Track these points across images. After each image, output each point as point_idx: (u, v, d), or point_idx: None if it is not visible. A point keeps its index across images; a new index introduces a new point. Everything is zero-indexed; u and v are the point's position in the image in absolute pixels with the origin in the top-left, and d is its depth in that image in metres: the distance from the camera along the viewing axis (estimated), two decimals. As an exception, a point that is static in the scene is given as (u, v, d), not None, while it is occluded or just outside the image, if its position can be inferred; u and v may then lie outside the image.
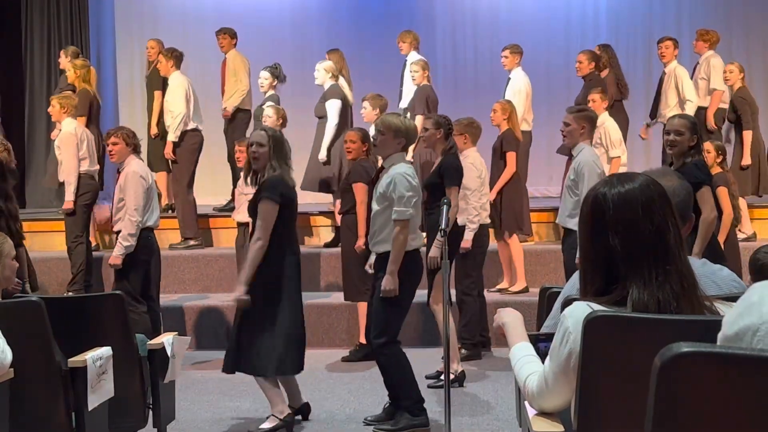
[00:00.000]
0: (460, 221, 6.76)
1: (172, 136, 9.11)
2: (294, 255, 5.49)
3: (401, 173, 5.37)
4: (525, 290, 8.06)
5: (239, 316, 5.42)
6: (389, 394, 5.53)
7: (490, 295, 7.81)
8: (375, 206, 5.49)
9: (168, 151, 9.17)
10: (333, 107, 8.87)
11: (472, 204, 6.92)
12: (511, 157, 7.93)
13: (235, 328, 5.48)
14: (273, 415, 5.42)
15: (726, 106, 9.31)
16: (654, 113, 9.67)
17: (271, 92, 9.32)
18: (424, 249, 6.07)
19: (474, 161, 7.01)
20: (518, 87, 9.18)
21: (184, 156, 9.24)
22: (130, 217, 6.54)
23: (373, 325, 5.50)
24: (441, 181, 6.41)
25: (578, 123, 6.15)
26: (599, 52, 9.72)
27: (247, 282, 5.32)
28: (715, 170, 7.36)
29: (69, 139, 8.14)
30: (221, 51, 9.94)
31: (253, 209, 5.49)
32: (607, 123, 8.23)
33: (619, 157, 8.20)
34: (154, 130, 9.70)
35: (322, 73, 9.12)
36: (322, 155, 8.83)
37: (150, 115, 9.92)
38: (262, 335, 5.33)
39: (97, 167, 8.54)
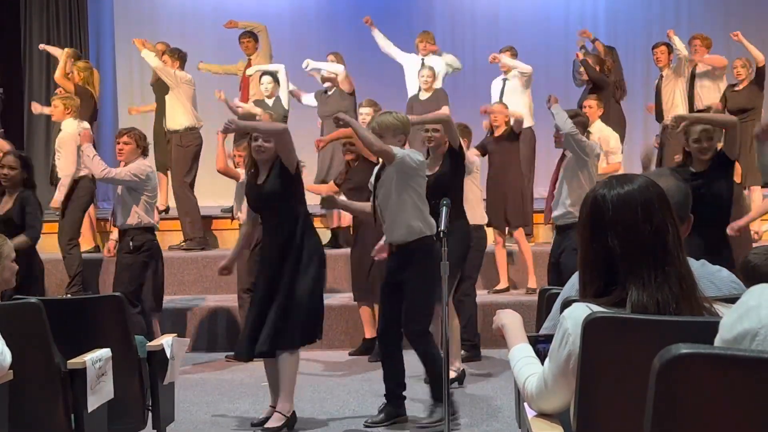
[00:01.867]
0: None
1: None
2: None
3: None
4: (534, 291, 7.91)
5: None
6: (386, 392, 5.51)
7: (489, 297, 7.78)
8: (384, 197, 5.43)
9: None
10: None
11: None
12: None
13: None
14: (279, 411, 5.40)
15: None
16: (659, 116, 9.58)
17: (275, 97, 9.30)
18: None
19: (474, 161, 7.12)
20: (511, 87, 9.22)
21: (186, 156, 9.24)
22: (122, 170, 6.66)
23: (407, 316, 5.44)
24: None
25: None
26: (603, 55, 9.71)
27: None
28: None
29: (69, 140, 8.12)
30: (246, 54, 9.96)
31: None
32: (604, 131, 8.22)
33: (619, 162, 8.22)
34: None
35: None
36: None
37: (157, 114, 9.87)
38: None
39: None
